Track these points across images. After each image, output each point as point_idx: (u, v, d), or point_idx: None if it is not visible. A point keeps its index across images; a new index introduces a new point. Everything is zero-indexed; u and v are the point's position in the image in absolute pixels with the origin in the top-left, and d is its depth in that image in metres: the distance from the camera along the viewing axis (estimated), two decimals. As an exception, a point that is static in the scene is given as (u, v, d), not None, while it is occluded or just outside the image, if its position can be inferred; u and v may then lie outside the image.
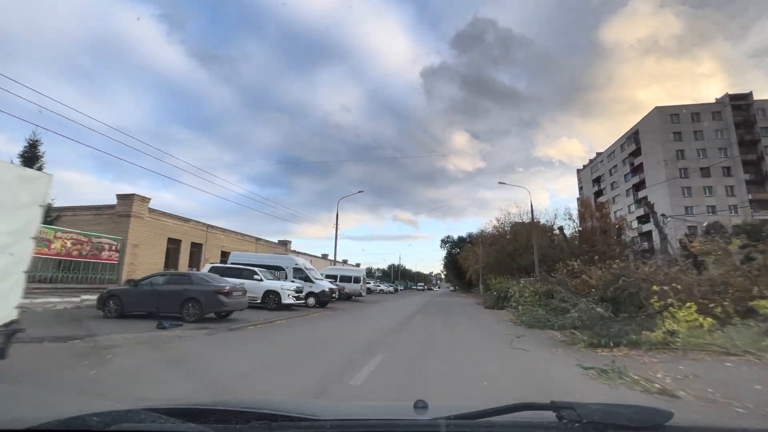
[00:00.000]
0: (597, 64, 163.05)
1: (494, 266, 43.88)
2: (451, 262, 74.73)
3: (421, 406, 1.25)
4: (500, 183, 32.60)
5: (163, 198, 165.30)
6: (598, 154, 71.65)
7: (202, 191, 63.15)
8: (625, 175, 60.87)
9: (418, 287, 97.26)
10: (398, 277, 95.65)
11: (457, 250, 71.42)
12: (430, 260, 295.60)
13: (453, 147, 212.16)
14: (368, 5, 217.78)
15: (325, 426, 1.09)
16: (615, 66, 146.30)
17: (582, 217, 42.92)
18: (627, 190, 59.87)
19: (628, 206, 58.24)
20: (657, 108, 51.73)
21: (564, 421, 1.05)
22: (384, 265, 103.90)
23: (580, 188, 78.19)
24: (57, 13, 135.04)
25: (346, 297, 28.41)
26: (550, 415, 1.09)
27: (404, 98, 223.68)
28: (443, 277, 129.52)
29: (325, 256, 47.91)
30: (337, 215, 32.54)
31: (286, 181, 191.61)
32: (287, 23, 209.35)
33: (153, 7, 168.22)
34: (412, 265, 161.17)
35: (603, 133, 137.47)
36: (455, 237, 77.13)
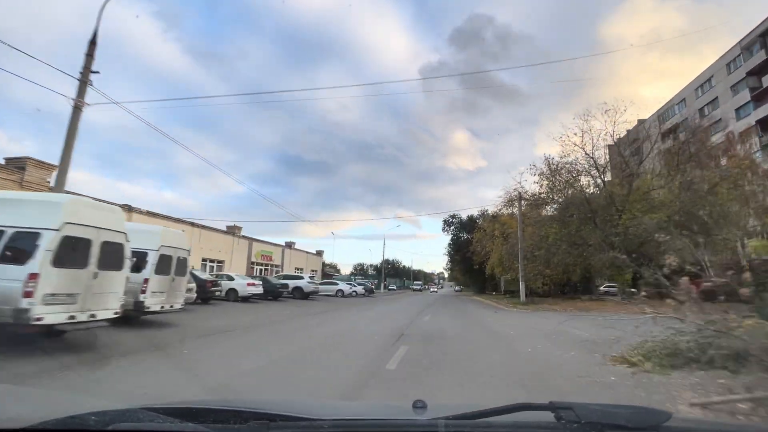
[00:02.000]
0: (598, 61, 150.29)
1: (548, 247, 21.61)
2: (457, 251, 52.18)
3: (420, 406, 1.21)
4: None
5: (165, 197, 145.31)
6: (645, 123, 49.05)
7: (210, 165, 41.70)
8: (737, 110, 38.36)
9: (415, 287, 77.99)
10: (388, 273, 74.31)
11: (465, 236, 49.56)
12: (434, 260, 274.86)
13: (453, 145, 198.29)
14: (367, 3, 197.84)
15: (323, 426, 1.04)
16: (617, 62, 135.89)
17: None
18: (741, 133, 37.31)
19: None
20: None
21: (562, 422, 1.02)
22: (378, 261, 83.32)
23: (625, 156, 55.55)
24: (55, 9, 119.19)
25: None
26: (548, 416, 1.05)
27: (403, 96, 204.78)
28: (446, 276, 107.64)
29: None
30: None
31: (285, 180, 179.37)
32: (285, 21, 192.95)
33: (151, 5, 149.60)
34: (414, 263, 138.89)
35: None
36: (463, 216, 53.93)
